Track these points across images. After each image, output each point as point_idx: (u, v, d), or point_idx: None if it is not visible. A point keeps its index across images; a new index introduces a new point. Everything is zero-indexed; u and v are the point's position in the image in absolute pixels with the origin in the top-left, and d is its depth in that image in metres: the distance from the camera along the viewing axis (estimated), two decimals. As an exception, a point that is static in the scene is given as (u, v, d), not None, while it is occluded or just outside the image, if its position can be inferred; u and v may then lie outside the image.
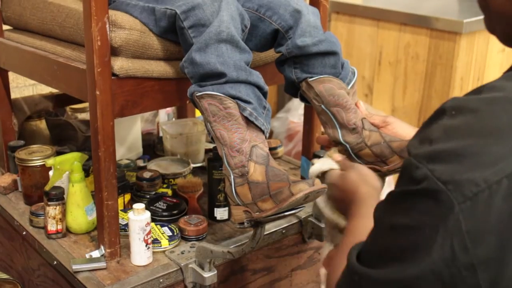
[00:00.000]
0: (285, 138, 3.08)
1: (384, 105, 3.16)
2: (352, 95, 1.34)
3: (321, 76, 1.31)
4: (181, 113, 2.16)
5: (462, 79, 2.89)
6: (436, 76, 2.91)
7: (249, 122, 1.18)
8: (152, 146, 2.00)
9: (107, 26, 1.21)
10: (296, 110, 3.05)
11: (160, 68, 1.33)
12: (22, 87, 2.20)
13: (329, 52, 1.31)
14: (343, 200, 1.08)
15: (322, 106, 1.31)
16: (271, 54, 1.47)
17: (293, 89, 1.39)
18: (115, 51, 1.27)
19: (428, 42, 2.91)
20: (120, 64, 1.26)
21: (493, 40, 2.96)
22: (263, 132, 1.21)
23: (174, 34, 1.28)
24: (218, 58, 1.18)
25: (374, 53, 3.14)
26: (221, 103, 1.17)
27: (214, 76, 1.19)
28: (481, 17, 0.80)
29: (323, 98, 1.31)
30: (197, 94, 1.19)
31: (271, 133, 3.03)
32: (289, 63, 1.35)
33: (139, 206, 1.32)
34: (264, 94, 1.23)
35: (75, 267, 1.32)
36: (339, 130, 1.30)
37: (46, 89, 2.10)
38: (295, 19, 1.31)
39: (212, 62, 1.18)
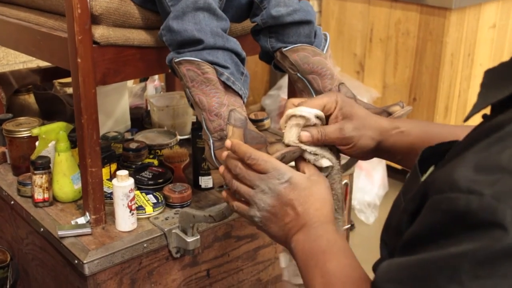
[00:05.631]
0: (277, 115, 3.10)
1: (375, 82, 3.18)
2: (329, 59, 1.36)
3: (295, 45, 1.33)
4: (170, 87, 2.18)
5: (453, 55, 2.90)
6: (427, 52, 2.92)
7: (227, 87, 1.20)
8: (141, 119, 2.02)
9: (87, -6, 1.22)
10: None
11: (141, 37, 1.35)
12: (13, 64, 2.21)
13: (304, 21, 1.33)
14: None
15: (298, 74, 1.33)
16: (251, 24, 1.49)
17: (267, 57, 1.41)
18: (96, 19, 1.29)
19: (419, 18, 2.91)
20: (101, 32, 1.28)
21: (484, 16, 2.96)
22: (241, 96, 1.23)
23: (153, 3, 1.30)
24: (195, 26, 1.20)
25: (365, 30, 3.15)
26: (199, 68, 1.19)
27: (191, 43, 1.20)
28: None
29: (298, 66, 1.33)
30: (175, 60, 1.21)
31: (263, 109, 3.05)
32: (264, 33, 1.37)
33: (122, 172, 1.35)
34: (242, 60, 1.25)
35: (60, 233, 1.34)
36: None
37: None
38: None
39: (189, 29, 1.20)
